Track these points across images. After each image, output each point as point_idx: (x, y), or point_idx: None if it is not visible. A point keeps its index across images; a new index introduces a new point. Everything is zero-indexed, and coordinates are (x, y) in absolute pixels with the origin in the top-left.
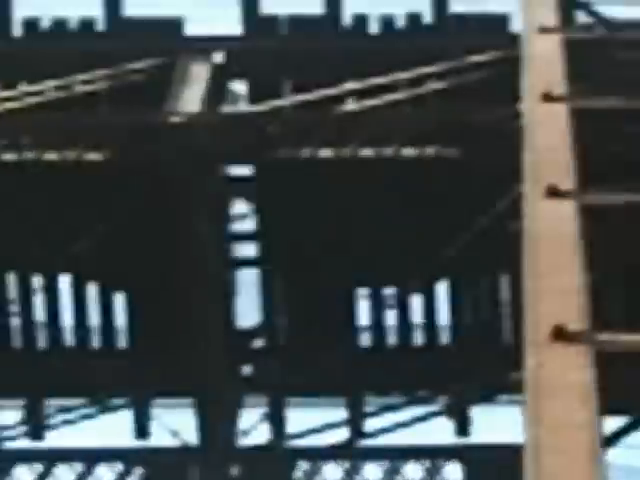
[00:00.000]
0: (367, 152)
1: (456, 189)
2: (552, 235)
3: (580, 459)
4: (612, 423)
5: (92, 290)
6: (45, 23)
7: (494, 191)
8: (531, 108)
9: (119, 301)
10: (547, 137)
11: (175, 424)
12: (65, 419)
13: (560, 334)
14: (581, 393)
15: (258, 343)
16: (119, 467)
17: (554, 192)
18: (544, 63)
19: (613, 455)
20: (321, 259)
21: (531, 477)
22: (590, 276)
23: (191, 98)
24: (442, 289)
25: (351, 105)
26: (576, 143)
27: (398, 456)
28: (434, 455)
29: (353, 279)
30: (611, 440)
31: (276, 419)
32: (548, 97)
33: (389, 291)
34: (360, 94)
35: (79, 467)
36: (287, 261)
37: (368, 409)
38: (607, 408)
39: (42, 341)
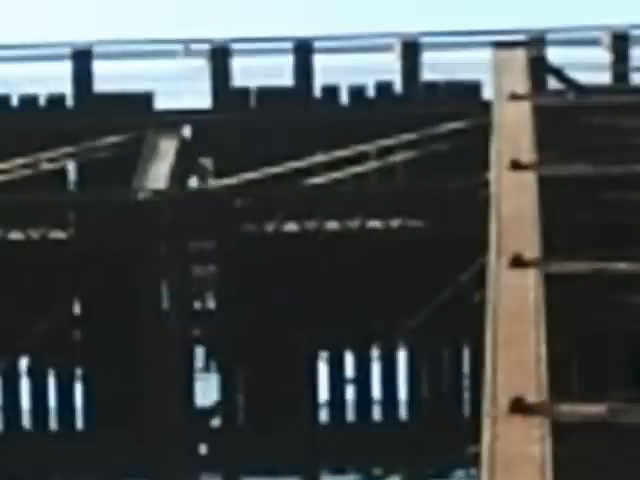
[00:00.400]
0: (332, 225)
1: (421, 259)
2: (514, 306)
3: None
4: None
5: (51, 372)
6: (14, 100)
7: (459, 261)
8: (499, 176)
9: (78, 382)
10: (514, 206)
11: None
12: None
13: (518, 406)
14: (537, 466)
15: (215, 422)
16: None
17: (518, 261)
18: (513, 130)
19: None
20: (281, 335)
21: None
22: (551, 346)
23: (158, 174)
24: (402, 362)
25: (317, 178)
26: (543, 211)
27: None
28: None
29: (313, 354)
30: None
31: None
32: (516, 165)
33: (350, 363)
34: (328, 166)
35: None
36: (247, 338)
37: None
38: None
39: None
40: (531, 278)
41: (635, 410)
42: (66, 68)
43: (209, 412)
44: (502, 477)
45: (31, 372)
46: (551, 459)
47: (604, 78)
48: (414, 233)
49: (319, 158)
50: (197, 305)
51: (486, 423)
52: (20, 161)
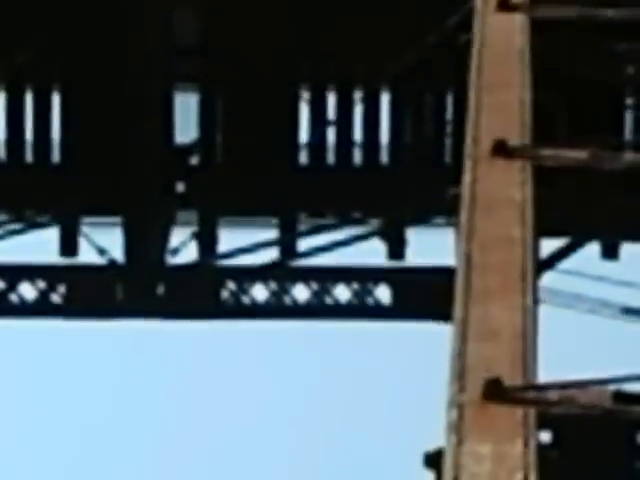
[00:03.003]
0: None
1: (409, 1)
2: (499, 49)
3: (511, 278)
4: (550, 245)
5: (29, 102)
6: None
7: (447, 4)
8: None
9: (55, 115)
10: None
11: (104, 242)
12: None
13: (501, 148)
14: (518, 209)
15: (194, 160)
16: (42, 284)
17: (505, 5)
18: None
19: (550, 278)
20: (263, 75)
21: (460, 295)
22: (537, 92)
23: None
24: (385, 106)
25: None
26: None
27: (328, 277)
28: (364, 277)
29: (294, 94)
30: (548, 263)
31: (206, 237)
32: None
33: (331, 103)
34: None
35: (0, 284)
36: (228, 76)
37: (301, 229)
38: (546, 228)
39: None
40: (518, 22)
41: (617, 157)
42: None
43: (188, 149)
44: (481, 219)
45: (8, 103)
46: (532, 203)
47: None
48: None
49: None
50: (181, 43)
51: (467, 165)
52: None
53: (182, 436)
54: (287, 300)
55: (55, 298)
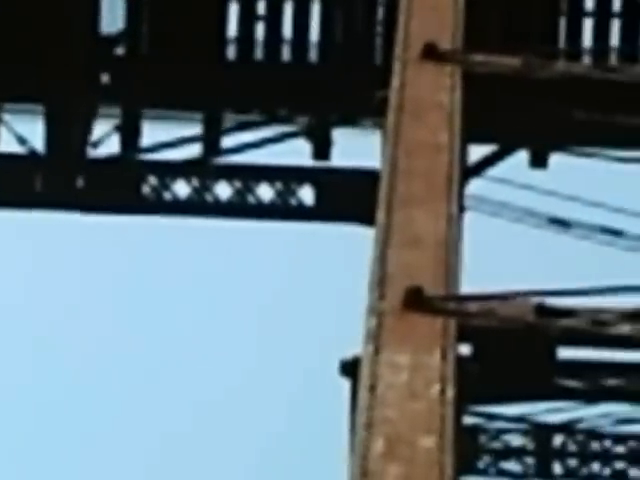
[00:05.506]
0: None
1: None
2: None
3: (436, 184)
4: (478, 151)
5: None
6: None
7: None
8: None
9: None
10: None
11: (25, 131)
12: None
13: (431, 52)
14: (446, 116)
15: (119, 51)
16: None
17: None
18: None
19: (477, 186)
20: None
21: (384, 201)
22: None
23: None
24: (316, 2)
25: None
26: None
27: (251, 176)
28: (288, 177)
29: None
30: (475, 169)
31: (129, 131)
32: None
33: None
34: None
35: None
36: None
37: (226, 126)
38: (474, 135)
39: None
40: None
41: (550, 65)
42: None
43: (114, 40)
44: (409, 124)
45: None
46: (460, 108)
47: None
48: None
49: None
50: None
51: (396, 68)
52: None
53: (101, 320)
54: (209, 197)
55: None
